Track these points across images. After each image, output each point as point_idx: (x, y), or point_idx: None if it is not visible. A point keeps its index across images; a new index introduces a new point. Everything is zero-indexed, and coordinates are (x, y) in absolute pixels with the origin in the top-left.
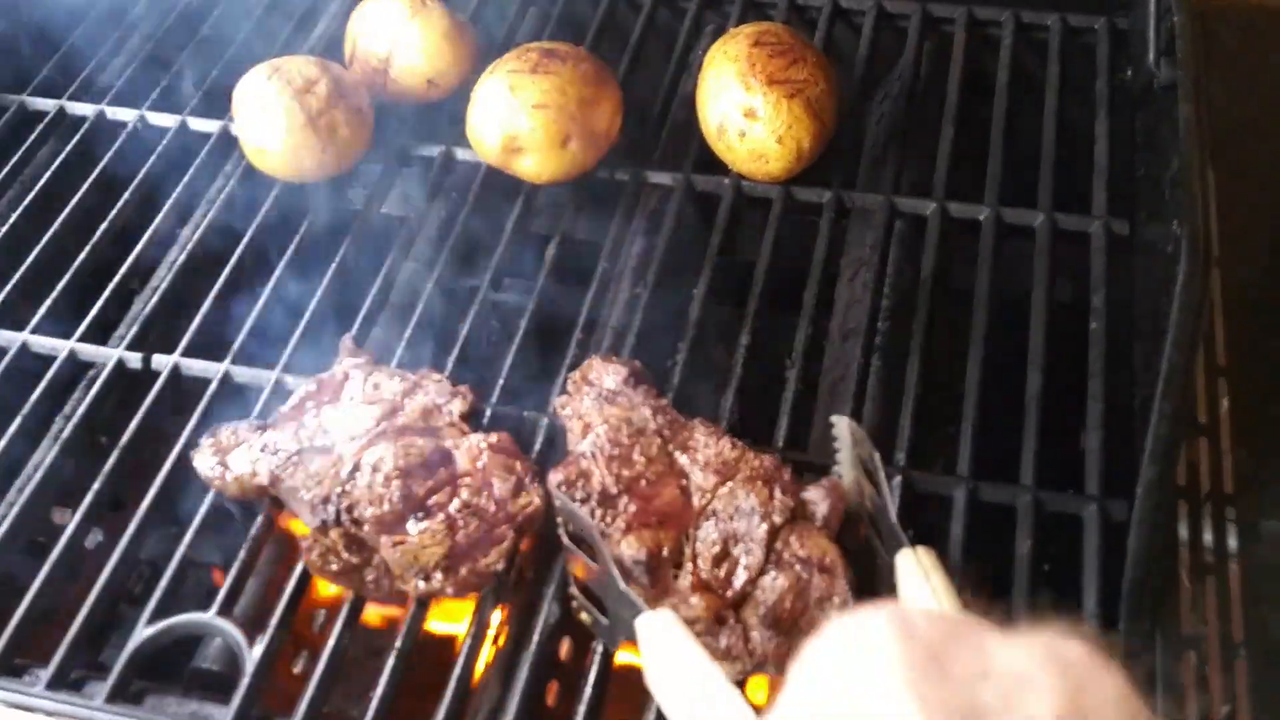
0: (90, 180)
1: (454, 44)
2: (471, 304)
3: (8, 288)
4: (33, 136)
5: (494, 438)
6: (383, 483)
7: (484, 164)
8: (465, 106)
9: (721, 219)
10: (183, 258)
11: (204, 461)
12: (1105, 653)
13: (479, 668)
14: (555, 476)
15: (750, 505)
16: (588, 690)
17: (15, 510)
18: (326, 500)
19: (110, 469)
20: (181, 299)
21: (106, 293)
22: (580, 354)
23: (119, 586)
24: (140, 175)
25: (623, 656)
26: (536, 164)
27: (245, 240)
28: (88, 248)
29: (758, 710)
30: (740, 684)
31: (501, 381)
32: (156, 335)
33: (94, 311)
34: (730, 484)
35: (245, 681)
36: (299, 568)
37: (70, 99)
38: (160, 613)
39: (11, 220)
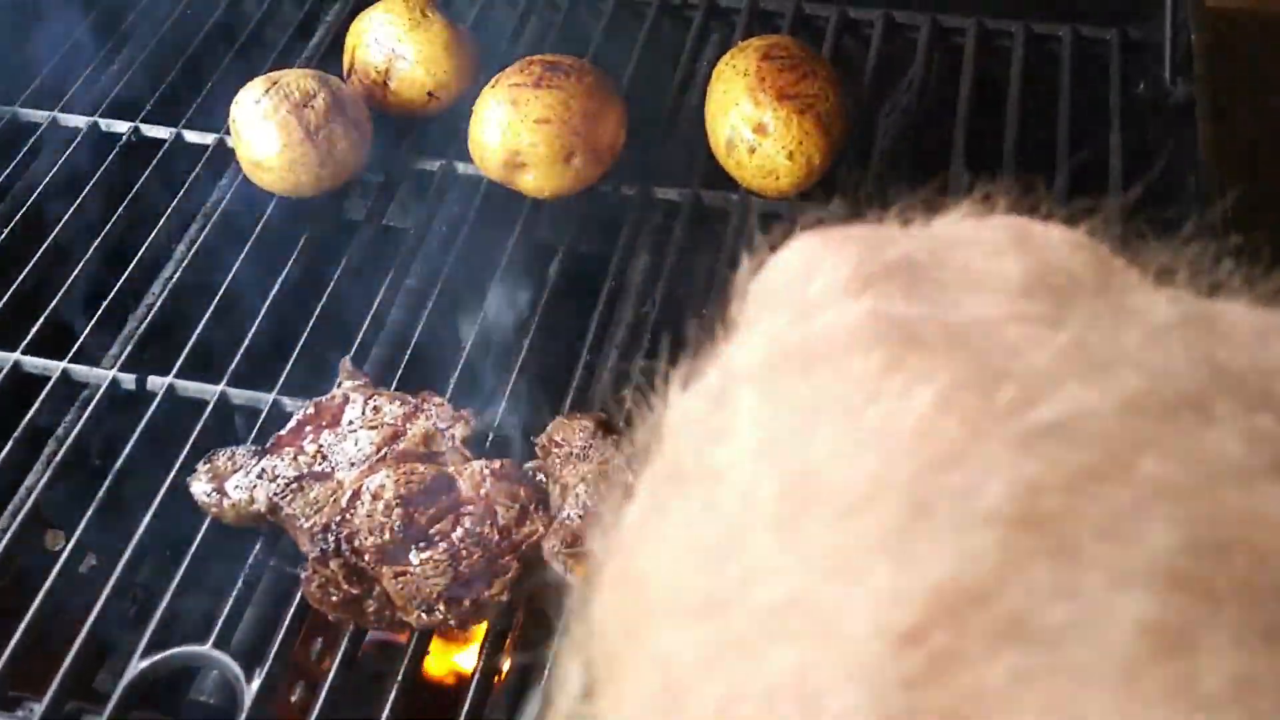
0: (83, 194)
1: (455, 56)
2: (473, 323)
3: None
4: (25, 149)
5: (497, 464)
6: (384, 511)
7: (485, 178)
8: (466, 120)
9: (730, 235)
10: (177, 275)
11: (200, 488)
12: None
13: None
14: (550, 544)
15: None
16: None
17: (8, 536)
18: (326, 529)
19: (104, 492)
20: (176, 317)
21: (100, 311)
22: (586, 375)
23: (114, 614)
24: (134, 189)
25: None
26: (539, 179)
27: (241, 257)
28: (80, 264)
29: None
30: None
31: (504, 404)
32: (151, 355)
33: (87, 331)
34: None
35: (243, 717)
36: (297, 598)
37: (62, 110)
38: (156, 644)
39: (1, 236)
